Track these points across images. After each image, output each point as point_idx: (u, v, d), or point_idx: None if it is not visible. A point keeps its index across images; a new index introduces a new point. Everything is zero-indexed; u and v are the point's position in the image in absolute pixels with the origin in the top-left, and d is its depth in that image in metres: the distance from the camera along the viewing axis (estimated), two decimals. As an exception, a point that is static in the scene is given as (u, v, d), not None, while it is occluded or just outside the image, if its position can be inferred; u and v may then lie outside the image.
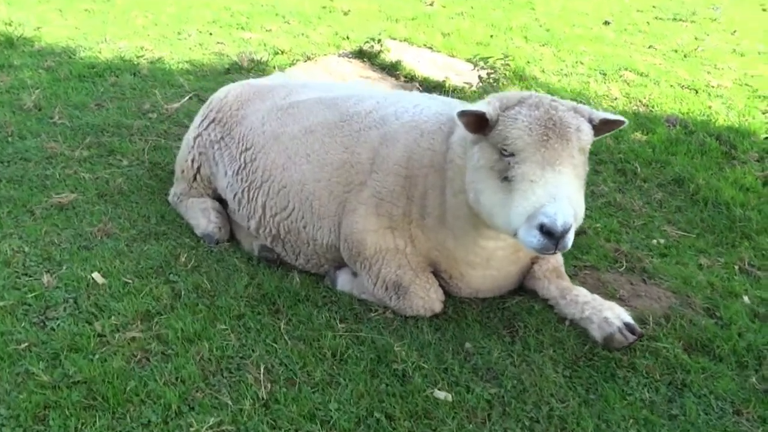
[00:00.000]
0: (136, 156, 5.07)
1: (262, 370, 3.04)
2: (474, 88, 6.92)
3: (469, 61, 7.58)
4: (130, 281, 3.59)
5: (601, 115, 3.14)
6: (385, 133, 3.63)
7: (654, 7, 12.03)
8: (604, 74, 8.01)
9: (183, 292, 3.54)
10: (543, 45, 8.94)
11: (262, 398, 2.89)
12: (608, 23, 10.30)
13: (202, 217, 4.19)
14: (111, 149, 5.12)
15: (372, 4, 10.17)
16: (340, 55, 7.85)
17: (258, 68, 7.10)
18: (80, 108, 5.84)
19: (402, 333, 3.40)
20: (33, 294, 3.37)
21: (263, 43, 8.11)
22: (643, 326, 3.45)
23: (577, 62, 8.33)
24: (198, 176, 4.32)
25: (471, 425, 2.84)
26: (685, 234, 4.64)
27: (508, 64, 7.17)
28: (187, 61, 7.35)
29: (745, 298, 3.85)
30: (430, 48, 8.35)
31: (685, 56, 8.93)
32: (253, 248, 4.06)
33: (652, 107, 7.19)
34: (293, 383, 3.01)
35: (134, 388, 2.85)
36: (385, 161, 3.55)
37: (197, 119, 4.41)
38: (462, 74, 7.37)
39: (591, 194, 5.02)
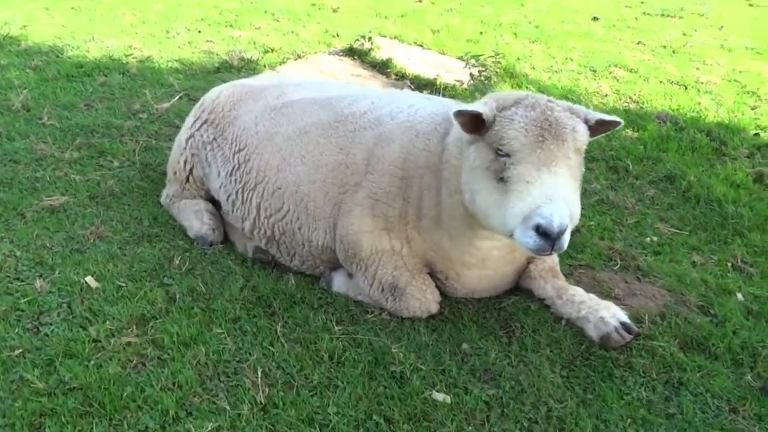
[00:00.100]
0: (127, 157, 5.03)
1: (259, 374, 3.03)
2: (465, 86, 6.92)
3: (460, 58, 7.57)
4: (123, 285, 3.56)
5: (596, 115, 3.14)
6: (380, 133, 3.62)
7: (642, 2, 12.09)
8: (594, 71, 8.03)
9: (178, 296, 3.52)
10: (533, 42, 8.95)
11: (260, 403, 2.87)
12: (597, 19, 10.33)
13: (195, 219, 4.16)
14: (101, 150, 5.08)
15: (361, 1, 10.15)
16: (330, 53, 7.82)
17: (248, 67, 7.07)
18: (69, 108, 5.80)
19: (399, 334, 3.39)
20: (26, 299, 3.34)
21: (253, 41, 8.07)
22: (639, 325, 3.46)
23: (566, 59, 8.34)
24: (191, 178, 4.29)
25: (470, 427, 2.84)
26: (678, 231, 4.66)
27: (499, 62, 7.17)
28: (176, 60, 7.31)
29: (739, 296, 3.87)
30: (421, 45, 8.34)
31: (673, 52, 8.97)
32: (248, 250, 4.04)
33: (643, 104, 7.22)
34: (291, 387, 2.99)
35: (131, 394, 2.83)
36: (380, 162, 3.53)
37: (189, 120, 4.38)
38: (453, 72, 7.36)
39: (584, 192, 4.99)
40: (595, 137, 3.20)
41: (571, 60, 8.27)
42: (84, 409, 2.74)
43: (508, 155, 2.98)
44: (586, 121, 3.12)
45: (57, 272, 3.59)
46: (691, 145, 6.06)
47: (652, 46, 9.16)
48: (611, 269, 4.06)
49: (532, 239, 2.84)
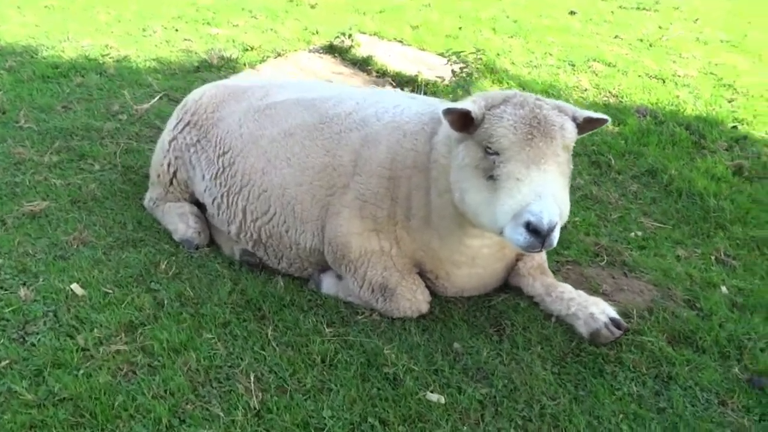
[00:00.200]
0: (108, 160, 4.96)
1: (252, 379, 3.01)
2: (447, 83, 6.92)
3: (441, 55, 7.57)
4: (110, 291, 3.51)
5: (584, 113, 3.15)
6: (367, 134, 3.60)
7: (618, -5, 12.18)
8: (573, 65, 8.08)
9: (166, 301, 3.48)
10: (511, 37, 8.97)
11: (254, 408, 2.86)
12: (574, 13, 10.38)
13: (180, 222, 4.12)
14: (81, 153, 5.00)
15: (339, -3, 10.11)
16: (310, 51, 7.78)
17: (228, 66, 7.01)
18: (46, 111, 5.70)
19: (390, 335, 3.39)
20: (10, 308, 3.28)
21: (231, 39, 7.99)
22: (628, 320, 3.49)
23: (545, 53, 8.38)
24: (174, 180, 4.24)
25: (465, 427, 2.85)
26: (662, 225, 4.71)
27: (480, 58, 7.18)
28: (154, 59, 7.21)
29: (723, 288, 3.92)
30: (400, 42, 8.32)
31: (650, 45, 9.05)
32: (234, 253, 4.01)
33: (622, 98, 7.28)
34: (284, 391, 2.98)
35: (122, 403, 2.80)
36: (367, 163, 3.52)
37: (171, 122, 4.33)
38: (434, 68, 7.36)
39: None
40: (583, 135, 3.21)
41: (550, 55, 8.31)
42: (75, 420, 2.70)
43: (497, 153, 2.98)
44: (574, 119, 3.13)
45: (41, 280, 3.53)
46: (671, 138, 6.13)
47: (629, 39, 9.23)
48: (598, 265, 4.09)
49: (522, 236, 2.85)
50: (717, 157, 5.81)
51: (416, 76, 7.15)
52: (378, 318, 3.52)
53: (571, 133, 3.08)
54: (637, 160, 5.71)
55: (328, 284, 3.72)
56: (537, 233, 2.81)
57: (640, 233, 4.56)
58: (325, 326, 3.41)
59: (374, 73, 7.45)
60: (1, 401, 2.76)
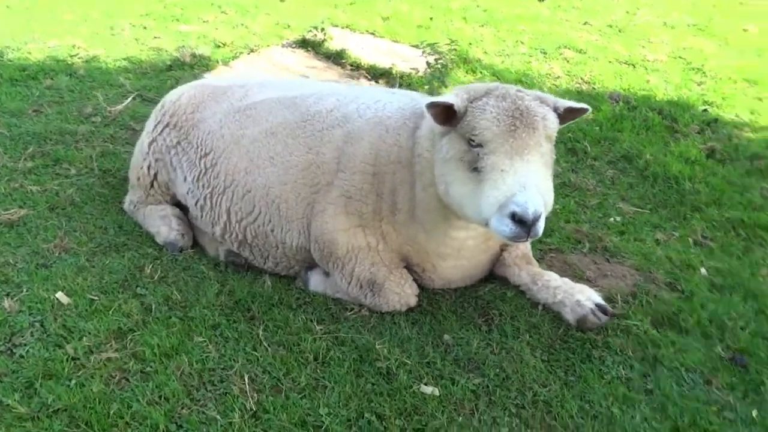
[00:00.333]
0: (85, 164, 4.89)
1: (246, 380, 3.01)
2: (421, 74, 6.94)
3: (414, 46, 7.59)
4: (96, 298, 3.48)
5: (565, 103, 3.19)
6: (349, 131, 3.61)
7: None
8: (545, 53, 8.14)
9: (153, 306, 3.46)
10: (482, 26, 9.00)
11: (251, 409, 2.86)
12: (542, 0, 10.43)
13: (163, 225, 4.10)
14: (56, 158, 4.92)
15: (309, -10, 10.04)
16: (283, 46, 7.74)
17: (201, 63, 6.94)
18: (17, 115, 5.60)
19: (381, 330, 3.41)
20: (-5, 320, 3.24)
21: (202, 35, 7.91)
22: (613, 305, 3.56)
23: (517, 42, 8.42)
24: (155, 183, 4.21)
25: (460, 417, 2.89)
26: (639, 210, 4.79)
27: (454, 49, 7.21)
28: (124, 59, 7.11)
29: (702, 270, 4.01)
30: (373, 34, 8.31)
31: (619, 31, 9.14)
32: (219, 254, 4.00)
33: (594, 84, 7.36)
34: (279, 391, 2.99)
35: (118, 411, 2.78)
36: (351, 160, 3.53)
37: (150, 124, 4.29)
38: (407, 60, 7.37)
39: (547, 176, 5.12)
40: (565, 124, 3.25)
41: (522, 43, 8.35)
42: (71, 430, 2.69)
43: (480, 145, 3.01)
44: (555, 109, 3.17)
45: (25, 290, 3.48)
46: (644, 123, 6.22)
47: (598, 26, 9.31)
48: (580, 252, 4.15)
49: (508, 227, 2.88)
50: (690, 141, 5.92)
51: (390, 68, 7.15)
52: (367, 313, 3.54)
53: (552, 123, 3.12)
54: (613, 146, 5.79)
55: (316, 281, 3.73)
56: (522, 223, 2.85)
57: (619, 218, 4.64)
58: (315, 324, 3.42)
59: (348, 67, 7.43)
60: (-7, 415, 2.73)
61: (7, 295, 3.44)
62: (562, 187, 5.03)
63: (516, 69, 7.64)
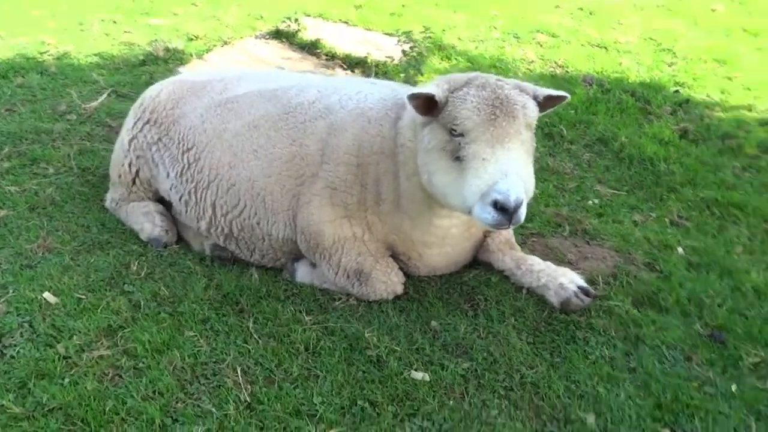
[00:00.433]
0: (63, 163, 4.85)
1: (239, 373, 3.05)
2: (396, 62, 6.97)
3: (388, 34, 7.60)
4: (83, 297, 3.48)
5: (545, 91, 3.25)
6: (332, 122, 3.64)
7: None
8: (518, 38, 8.19)
9: (142, 302, 3.47)
10: (455, 11, 9.01)
11: (245, 401, 2.90)
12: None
13: (146, 222, 4.09)
14: (33, 158, 4.87)
15: (279, -21, 9.97)
16: (257, 37, 7.70)
17: (175, 57, 6.88)
18: (-10, 115, 5.53)
19: (369, 318, 3.46)
20: (-16, 323, 3.23)
21: (173, 28, 7.84)
22: (594, 287, 3.64)
23: (490, 27, 8.46)
24: (137, 180, 4.20)
25: (451, 401, 2.96)
26: (617, 192, 4.89)
27: (429, 36, 7.24)
28: (95, 54, 7.04)
29: (680, 250, 4.12)
30: (346, 23, 8.29)
31: (590, 13, 9.21)
32: (205, 248, 4.01)
33: (568, 68, 7.44)
34: (272, 382, 3.03)
35: (113, 408, 2.81)
36: (335, 151, 3.56)
37: (129, 120, 4.27)
38: (382, 48, 7.38)
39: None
40: (544, 112, 3.32)
41: (495, 28, 8.40)
42: (67, 428, 2.71)
43: (462, 135, 3.06)
44: (534, 97, 3.23)
45: (11, 291, 3.47)
46: (618, 106, 6.32)
47: (569, 8, 9.37)
48: (561, 235, 4.24)
49: (490, 215, 2.94)
50: (663, 122, 6.03)
51: (366, 57, 7.16)
52: (355, 302, 3.59)
53: (532, 111, 3.18)
54: (588, 129, 5.87)
55: (303, 273, 3.77)
56: (504, 211, 2.91)
57: (597, 201, 4.73)
58: (304, 315, 3.47)
59: (323, 57, 7.42)
60: (-12, 416, 2.74)
61: (-6, 296, 3.43)
62: (540, 172, 5.10)
63: (490, 54, 7.69)
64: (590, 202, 4.71)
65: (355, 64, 7.18)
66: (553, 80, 7.07)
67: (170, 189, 4.06)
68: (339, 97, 3.76)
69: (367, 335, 3.30)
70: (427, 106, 3.16)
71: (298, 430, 2.78)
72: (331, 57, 7.38)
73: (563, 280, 3.53)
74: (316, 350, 3.22)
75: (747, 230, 4.45)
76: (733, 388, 3.07)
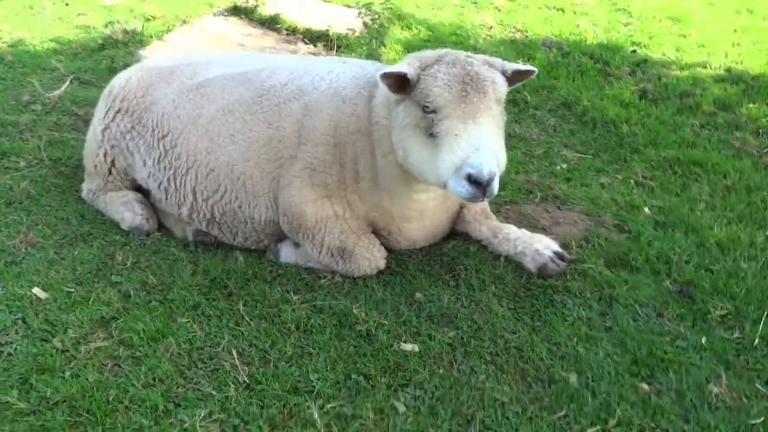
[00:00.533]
0: (33, 155, 4.82)
1: (235, 355, 3.15)
2: (358, 34, 7.00)
3: (347, 6, 7.61)
4: (73, 290, 3.52)
5: (513, 66, 3.36)
6: (306, 103, 3.70)
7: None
8: (476, 3, 8.29)
9: (132, 292, 3.53)
10: (412, -21, 9.03)
11: (244, 382, 3.00)
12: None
13: (126, 211, 4.12)
14: (3, 151, 4.82)
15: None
16: (215, 14, 7.63)
17: (134, 40, 6.79)
18: (-49, 109, 5.44)
19: (355, 294, 3.58)
20: (-23, 322, 3.26)
21: (129, 9, 7.74)
22: (568, 251, 3.81)
23: (448, -7, 8.52)
24: (113, 170, 4.20)
25: (441, 370, 3.10)
26: (583, 156, 5.05)
27: (389, 7, 7.26)
28: (52, 40, 6.93)
29: (646, 209, 4.31)
30: (304, -5, 8.26)
31: (545, -24, 9.32)
32: (187, 234, 4.07)
33: (527, 32, 7.56)
34: (268, 361, 3.14)
35: (116, 397, 2.88)
36: (311, 132, 3.63)
37: (100, 110, 4.26)
38: (342, 20, 7.39)
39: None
40: (513, 86, 3.43)
41: (453, -6, 8.46)
42: (74, 419, 2.78)
43: (434, 111, 3.16)
44: (503, 72, 3.33)
45: (0, 288, 3.50)
46: (578, 69, 6.47)
47: (524, -28, 9.47)
48: (533, 201, 4.39)
49: (464, 188, 3.06)
50: (623, 83, 6.20)
51: (327, 30, 7.19)
52: (340, 279, 3.70)
53: (502, 86, 3.29)
54: (551, 94, 6.02)
55: (287, 253, 3.86)
56: (478, 184, 3.03)
57: (564, 166, 4.89)
58: (292, 294, 3.56)
59: (284, 32, 7.42)
60: (-6, 414, 2.80)
61: (-18, 295, 3.45)
62: (508, 139, 5.20)
63: (450, 22, 7.77)
64: (558, 167, 4.87)
65: (316, 38, 7.20)
66: (513, 45, 7.19)
67: (148, 177, 4.09)
68: (311, 77, 3.81)
69: (355, 311, 3.42)
70: (400, 84, 3.25)
71: (297, 406, 2.89)
72: (292, 32, 7.38)
73: (539, 247, 3.68)
74: (307, 329, 3.33)
75: (708, 187, 4.66)
76: (703, 340, 3.28)
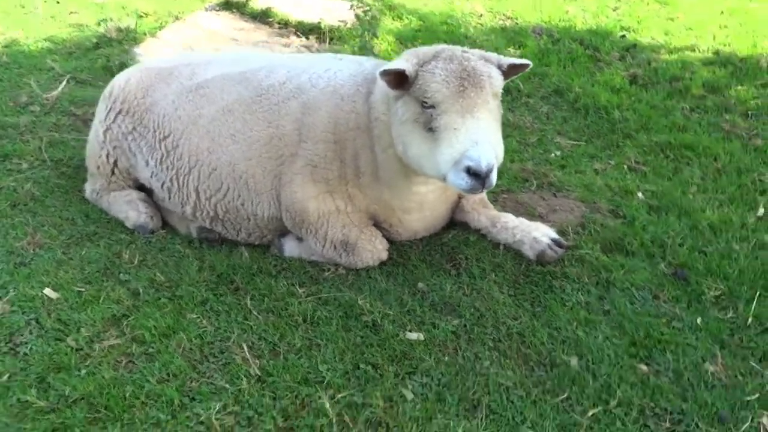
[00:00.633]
0: (35, 156, 4.87)
1: (245, 348, 3.23)
2: (350, 26, 7.06)
3: (340, -1, 7.66)
4: (83, 289, 3.60)
5: (508, 60, 3.44)
6: (305, 102, 3.77)
7: None
8: (466, -9, 8.32)
9: (140, 290, 3.60)
10: (401, -31, 9.06)
11: (255, 374, 3.09)
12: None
13: (131, 210, 4.19)
14: (5, 153, 4.87)
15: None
16: (207, 9, 7.68)
17: (128, 38, 6.83)
18: (-50, 112, 5.48)
19: (359, 286, 3.67)
20: (-8, 323, 3.33)
21: (121, 6, 7.76)
22: (566, 238, 3.91)
23: (437, -18, 8.56)
24: (116, 170, 4.27)
25: (446, 357, 3.20)
26: (576, 143, 5.14)
27: (381, -1, 7.33)
28: (46, 39, 6.95)
29: (639, 194, 4.41)
30: (294, -12, 8.29)
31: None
32: (191, 231, 4.14)
33: (517, 19, 7.63)
34: (277, 354, 3.23)
35: (132, 393, 2.97)
36: (312, 130, 3.70)
37: (101, 112, 4.31)
38: (334, 12, 7.44)
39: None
40: (508, 80, 3.51)
41: (442, -17, 8.50)
42: (92, 416, 2.86)
43: (433, 107, 3.25)
44: (499, 67, 3.42)
45: (11, 290, 3.55)
46: (569, 56, 6.55)
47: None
48: (529, 189, 4.49)
49: (464, 181, 3.15)
50: (613, 69, 6.29)
51: (319, 23, 7.25)
52: (344, 272, 3.79)
53: (498, 80, 3.38)
54: (543, 81, 6.10)
55: (290, 247, 3.94)
56: (477, 176, 3.12)
57: (558, 153, 4.98)
58: (297, 287, 3.65)
59: (276, 25, 7.47)
60: (16, 413, 2.87)
61: (-4, 297, 3.53)
62: (503, 128, 5.27)
63: (440, 11, 7.83)
64: (552, 154, 4.96)
65: (308, 31, 7.26)
66: (503, 33, 7.26)
67: (151, 177, 4.16)
68: (309, 76, 3.88)
69: (360, 302, 3.51)
70: (398, 80, 3.33)
71: (309, 396, 2.99)
72: (285, 25, 7.43)
73: (537, 234, 3.78)
74: (314, 321, 3.42)
75: (699, 170, 4.77)
76: (698, 320, 3.39)
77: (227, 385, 3.04)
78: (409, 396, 2.99)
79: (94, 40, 6.83)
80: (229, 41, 7.10)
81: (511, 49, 6.83)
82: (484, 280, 3.68)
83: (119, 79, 4.36)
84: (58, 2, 7.92)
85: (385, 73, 3.29)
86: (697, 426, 2.87)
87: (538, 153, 5.00)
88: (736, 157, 4.92)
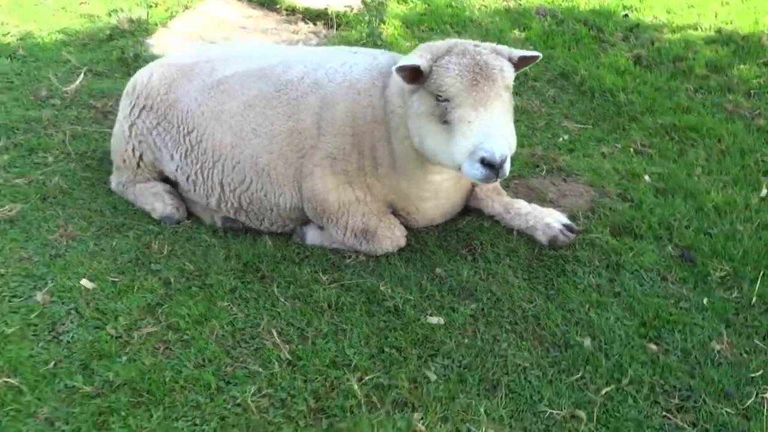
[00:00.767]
0: (60, 150, 5.02)
1: (275, 334, 3.42)
2: (356, 11, 7.16)
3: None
4: (117, 279, 3.78)
5: (518, 53, 3.59)
6: (323, 96, 3.91)
7: None
8: (470, -27, 8.38)
9: (172, 279, 3.78)
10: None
11: (286, 359, 3.29)
12: None
13: (157, 201, 4.36)
14: (30, 147, 5.02)
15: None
16: (216, -2, 7.77)
17: (141, 29, 6.94)
18: (-29, 107, 5.61)
19: (380, 272, 3.84)
20: (35, 314, 3.49)
21: (130, -5, 7.85)
22: (576, 222, 4.08)
23: (441, -35, 8.62)
24: (141, 164, 4.43)
25: (466, 340, 3.39)
26: (583, 126, 5.29)
27: (387, -15, 7.42)
28: (59, 31, 7.06)
29: (646, 177, 4.56)
30: (302, -26, 8.37)
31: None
32: (216, 221, 4.31)
33: (521, 1, 7.70)
34: (306, 339, 3.41)
35: (172, 378, 3.16)
36: (330, 124, 3.86)
37: (125, 108, 4.45)
38: (338, -4, 7.54)
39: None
40: (519, 71, 3.66)
41: (446, -34, 8.55)
42: (136, 400, 3.06)
43: (447, 100, 3.40)
44: (510, 59, 3.56)
45: (49, 281, 3.73)
46: (573, 37, 6.66)
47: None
48: (539, 175, 4.64)
49: (479, 171, 3.31)
50: (617, 50, 6.40)
51: (326, 9, 7.35)
52: (364, 258, 3.96)
53: (509, 73, 3.52)
54: (548, 64, 6.22)
55: (312, 236, 4.12)
56: (491, 166, 3.28)
57: (566, 137, 5.13)
58: (321, 274, 3.83)
59: (284, 12, 7.59)
60: (64, 398, 3.06)
61: (35, 287, 3.70)
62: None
63: (446, -5, 7.89)
64: (560, 138, 5.11)
65: (315, 17, 7.37)
66: (507, 15, 7.36)
67: (176, 170, 4.32)
68: (325, 71, 4.02)
69: (381, 288, 3.69)
70: (413, 75, 3.48)
71: (337, 379, 3.18)
72: (292, 11, 7.55)
73: (549, 220, 3.95)
74: (338, 306, 3.61)
75: (704, 152, 4.91)
76: (705, 301, 3.57)
77: (260, 369, 3.23)
78: (432, 377, 3.18)
79: (107, 32, 6.93)
80: (238, 29, 7.22)
81: (516, 32, 6.93)
82: (499, 264, 3.85)
83: (141, 75, 4.49)
84: (67, -8, 8.00)
85: (401, 69, 3.44)
86: (705, 402, 3.06)
87: (547, 137, 5.14)
88: (740, 138, 5.06)
